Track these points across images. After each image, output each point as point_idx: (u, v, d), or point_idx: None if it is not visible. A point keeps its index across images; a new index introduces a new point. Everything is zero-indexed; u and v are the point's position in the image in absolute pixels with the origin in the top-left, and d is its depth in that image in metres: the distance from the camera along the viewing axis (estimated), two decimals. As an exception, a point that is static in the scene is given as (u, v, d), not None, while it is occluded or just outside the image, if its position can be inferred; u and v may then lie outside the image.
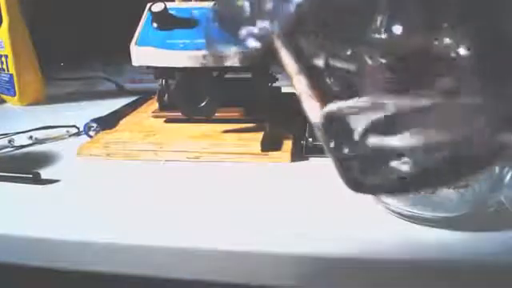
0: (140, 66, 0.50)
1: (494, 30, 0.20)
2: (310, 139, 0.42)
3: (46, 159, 0.44)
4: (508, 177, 0.29)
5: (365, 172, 0.22)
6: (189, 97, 0.48)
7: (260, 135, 0.45)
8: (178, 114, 0.50)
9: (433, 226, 0.30)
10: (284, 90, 0.57)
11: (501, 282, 0.27)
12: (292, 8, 0.21)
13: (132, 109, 0.58)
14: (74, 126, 0.52)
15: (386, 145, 0.21)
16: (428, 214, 0.30)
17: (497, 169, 0.29)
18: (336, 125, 0.22)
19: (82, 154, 0.45)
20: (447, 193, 0.29)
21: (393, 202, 0.31)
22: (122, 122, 0.52)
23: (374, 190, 0.24)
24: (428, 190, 0.27)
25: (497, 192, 0.30)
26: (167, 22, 0.50)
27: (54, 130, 0.52)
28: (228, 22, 0.26)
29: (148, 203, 0.35)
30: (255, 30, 0.23)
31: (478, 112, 0.19)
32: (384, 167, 0.21)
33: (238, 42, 0.23)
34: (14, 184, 0.38)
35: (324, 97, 0.22)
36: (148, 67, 0.50)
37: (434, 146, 0.20)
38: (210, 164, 0.42)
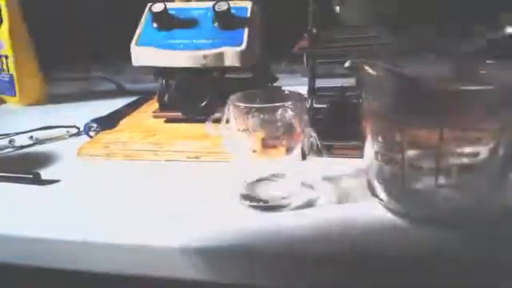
0: (140, 66, 0.50)
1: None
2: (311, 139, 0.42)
3: (46, 159, 0.44)
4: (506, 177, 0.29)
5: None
6: (189, 97, 0.48)
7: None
8: (178, 114, 0.50)
9: (426, 225, 0.30)
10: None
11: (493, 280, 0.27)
12: None
13: (132, 109, 0.58)
14: (74, 126, 0.52)
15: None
16: (423, 213, 0.30)
17: (495, 169, 0.29)
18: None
19: (82, 154, 0.45)
20: (444, 192, 0.29)
21: (391, 201, 0.31)
22: (122, 122, 0.52)
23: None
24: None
25: (496, 194, 0.30)
26: (167, 22, 0.50)
27: (54, 130, 0.52)
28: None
29: (148, 203, 0.35)
30: None
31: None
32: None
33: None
34: (14, 184, 0.38)
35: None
36: (148, 67, 0.50)
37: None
38: (210, 164, 0.42)
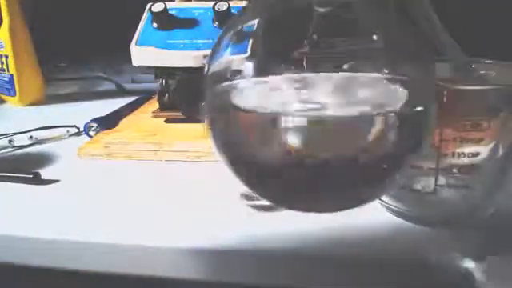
0: (140, 66, 0.50)
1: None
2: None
3: (46, 159, 0.44)
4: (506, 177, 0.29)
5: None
6: (189, 97, 0.48)
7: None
8: (178, 114, 0.50)
9: (426, 225, 0.30)
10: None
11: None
12: None
13: (132, 109, 0.58)
14: (74, 126, 0.52)
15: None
16: (423, 213, 0.30)
17: (497, 170, 0.29)
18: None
19: (82, 154, 0.45)
20: (448, 193, 0.29)
21: (391, 201, 0.31)
22: (121, 122, 0.52)
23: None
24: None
25: (496, 194, 0.30)
26: (167, 22, 0.50)
27: (54, 129, 0.51)
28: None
29: (148, 203, 0.35)
30: None
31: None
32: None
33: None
34: (14, 184, 0.38)
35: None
36: (148, 67, 0.50)
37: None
38: (210, 164, 0.42)
